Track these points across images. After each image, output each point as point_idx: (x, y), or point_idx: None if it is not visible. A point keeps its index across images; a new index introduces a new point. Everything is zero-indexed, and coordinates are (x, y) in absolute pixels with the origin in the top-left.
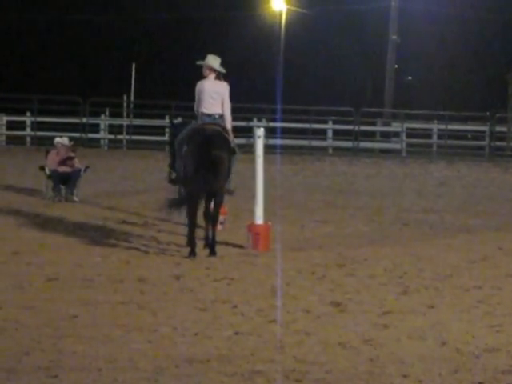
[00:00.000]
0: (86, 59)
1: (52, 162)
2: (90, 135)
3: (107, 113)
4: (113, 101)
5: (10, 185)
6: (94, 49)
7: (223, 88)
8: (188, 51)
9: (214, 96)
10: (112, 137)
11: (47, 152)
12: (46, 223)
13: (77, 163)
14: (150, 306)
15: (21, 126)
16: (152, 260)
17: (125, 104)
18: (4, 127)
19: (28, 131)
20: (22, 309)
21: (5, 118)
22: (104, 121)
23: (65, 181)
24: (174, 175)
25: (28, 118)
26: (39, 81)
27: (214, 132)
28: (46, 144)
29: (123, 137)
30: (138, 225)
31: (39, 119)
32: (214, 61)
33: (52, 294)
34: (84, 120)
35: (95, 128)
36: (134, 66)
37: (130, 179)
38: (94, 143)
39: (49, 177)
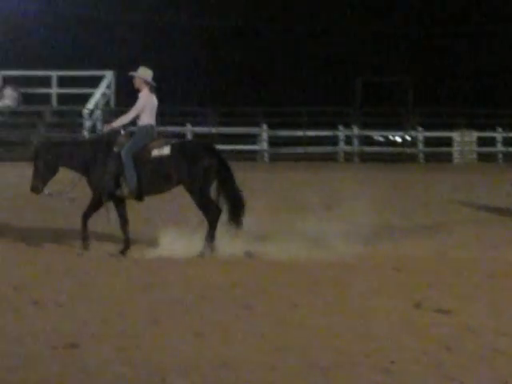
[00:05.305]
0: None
1: None
2: None
3: None
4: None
5: (482, 204)
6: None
7: (156, 102)
8: None
9: (155, 109)
10: None
11: None
12: None
13: None
14: None
15: (492, 142)
16: None
17: None
18: (475, 144)
19: (499, 147)
20: (500, 335)
21: (475, 134)
22: None
23: None
24: (123, 190)
25: (499, 134)
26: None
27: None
28: None
29: None
30: None
31: None
32: (146, 73)
33: None
34: None
35: None
36: None
37: None
38: None
39: None
